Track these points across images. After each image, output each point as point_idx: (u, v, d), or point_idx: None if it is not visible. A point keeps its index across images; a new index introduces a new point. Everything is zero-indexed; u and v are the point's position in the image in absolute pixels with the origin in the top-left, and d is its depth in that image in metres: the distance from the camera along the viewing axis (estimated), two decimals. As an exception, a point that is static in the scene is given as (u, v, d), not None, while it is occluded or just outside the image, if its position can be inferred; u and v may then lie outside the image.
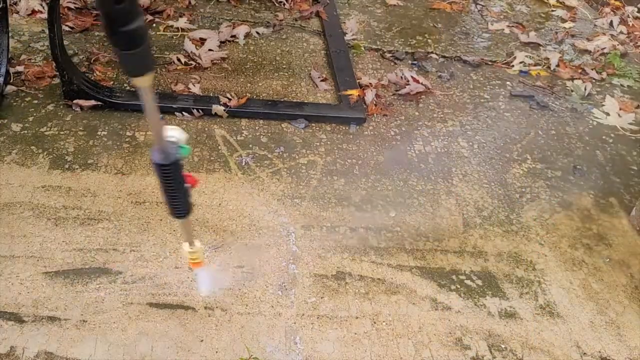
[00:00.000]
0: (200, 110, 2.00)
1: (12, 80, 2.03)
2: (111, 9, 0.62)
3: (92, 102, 1.94)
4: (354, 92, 2.18)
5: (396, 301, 1.49)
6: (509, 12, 3.07)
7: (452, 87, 2.39)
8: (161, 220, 1.61)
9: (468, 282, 1.56)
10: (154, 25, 2.51)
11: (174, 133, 0.88)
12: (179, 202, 0.96)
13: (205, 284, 1.36)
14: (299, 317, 1.41)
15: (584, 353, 1.43)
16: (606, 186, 1.97)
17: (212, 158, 1.85)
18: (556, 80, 2.52)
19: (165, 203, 0.96)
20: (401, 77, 2.35)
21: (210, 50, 2.36)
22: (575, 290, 1.59)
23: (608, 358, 1.42)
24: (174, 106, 1.99)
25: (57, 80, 2.03)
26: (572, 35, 2.91)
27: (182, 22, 2.52)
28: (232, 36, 2.49)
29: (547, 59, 2.64)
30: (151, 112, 0.81)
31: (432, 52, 2.60)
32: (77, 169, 1.74)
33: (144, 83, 0.75)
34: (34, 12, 2.45)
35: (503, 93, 2.39)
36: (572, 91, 2.45)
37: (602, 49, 2.77)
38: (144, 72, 0.74)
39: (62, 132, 1.86)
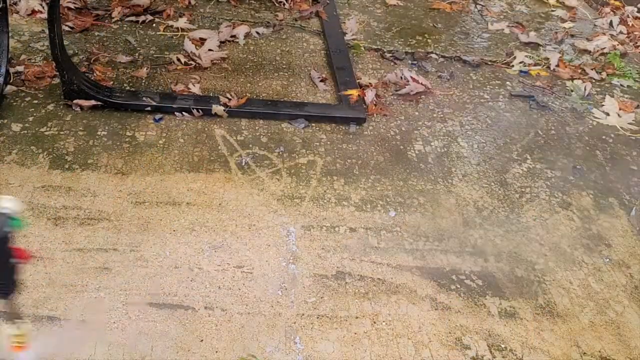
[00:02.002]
0: (200, 110, 2.00)
1: (12, 80, 2.03)
2: None
3: (92, 102, 1.94)
4: (354, 92, 2.18)
5: (396, 301, 1.49)
6: (508, 12, 3.07)
7: (452, 87, 2.39)
8: (161, 220, 1.61)
9: (468, 282, 1.56)
10: (154, 25, 2.51)
11: (7, 204, 0.79)
12: (2, 281, 0.84)
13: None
14: (299, 317, 1.41)
15: (584, 353, 1.43)
16: (606, 186, 1.97)
17: (212, 158, 1.85)
18: (556, 80, 2.52)
19: None
20: (401, 77, 2.35)
21: (210, 50, 2.36)
22: (575, 290, 1.59)
23: (608, 358, 1.42)
24: (174, 106, 1.99)
25: (57, 80, 2.03)
26: (572, 35, 2.91)
27: (182, 22, 2.52)
28: (232, 36, 2.49)
29: (547, 59, 2.64)
30: None
31: (432, 52, 2.60)
32: (77, 169, 1.74)
33: None
34: (34, 12, 2.45)
35: (503, 93, 2.39)
36: (572, 91, 2.45)
37: (602, 49, 2.77)
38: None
39: (62, 132, 1.86)
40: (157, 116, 1.97)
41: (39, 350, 1.16)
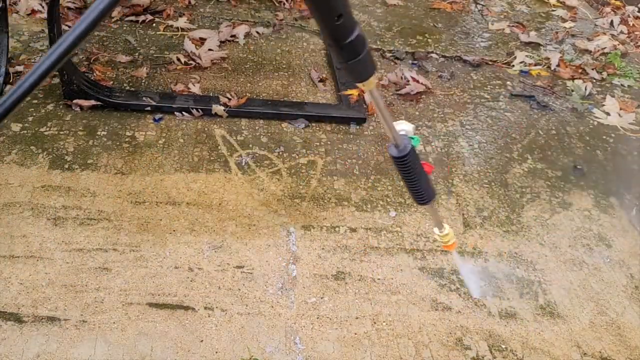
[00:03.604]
0: (200, 110, 2.00)
1: (12, 80, 2.03)
2: (333, 26, 0.67)
3: (92, 102, 1.94)
4: (354, 92, 2.18)
5: (396, 301, 1.48)
6: (509, 12, 3.07)
7: (453, 87, 2.39)
8: (161, 220, 1.61)
9: (468, 282, 1.56)
10: (154, 25, 2.51)
11: (403, 127, 0.96)
12: (421, 189, 1.01)
13: (473, 281, 1.50)
14: (299, 318, 1.41)
15: (584, 353, 1.42)
16: (606, 186, 1.96)
17: (212, 158, 1.85)
18: (556, 80, 2.52)
19: (409, 192, 1.03)
20: (401, 77, 2.35)
21: (210, 50, 2.35)
22: (575, 290, 1.58)
23: (608, 358, 1.42)
24: (174, 106, 1.99)
25: (56, 80, 2.03)
26: (573, 35, 2.91)
27: (182, 22, 2.52)
28: (232, 36, 2.49)
29: (548, 58, 2.63)
30: (383, 111, 0.86)
31: (432, 52, 2.60)
32: (76, 169, 1.74)
33: (370, 85, 0.79)
34: (33, 11, 2.45)
35: (503, 93, 2.39)
36: (572, 91, 2.45)
37: (603, 48, 2.77)
38: (369, 75, 0.78)
39: (61, 132, 1.86)
40: (157, 116, 1.97)
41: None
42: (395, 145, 0.94)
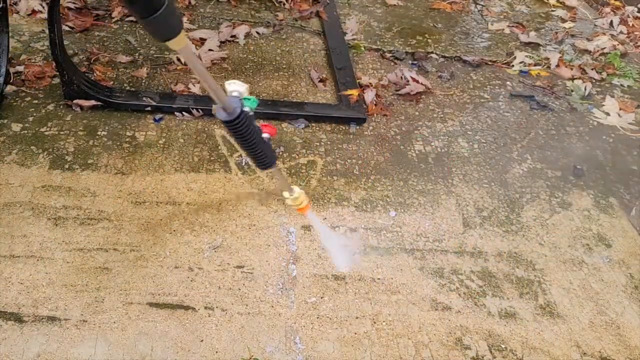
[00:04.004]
0: (200, 110, 2.00)
1: (12, 80, 2.03)
2: None
3: (92, 102, 1.94)
4: (354, 92, 2.18)
5: (396, 301, 1.49)
6: (509, 12, 3.07)
7: (452, 87, 2.39)
8: (161, 220, 1.61)
9: (468, 282, 1.56)
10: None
11: (235, 87, 0.87)
12: (260, 154, 0.94)
13: (338, 250, 1.41)
14: (299, 317, 1.41)
15: (584, 353, 1.43)
16: (606, 186, 1.96)
17: (212, 158, 1.85)
18: (556, 80, 2.52)
19: (248, 158, 0.95)
20: (401, 77, 2.35)
21: (210, 50, 2.36)
22: (575, 290, 1.59)
23: (608, 358, 1.42)
24: (174, 106, 1.99)
25: (57, 80, 2.03)
26: (572, 35, 2.91)
27: (182, 22, 2.52)
28: (232, 36, 2.49)
29: (547, 59, 2.64)
30: (201, 71, 0.77)
31: (432, 52, 2.60)
32: (77, 169, 1.74)
33: (177, 45, 0.71)
34: (34, 12, 2.45)
35: (503, 93, 2.39)
36: (572, 91, 2.45)
37: (602, 49, 2.77)
38: (172, 34, 0.70)
39: (62, 132, 1.86)
40: (157, 116, 1.97)
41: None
42: (224, 108, 0.84)
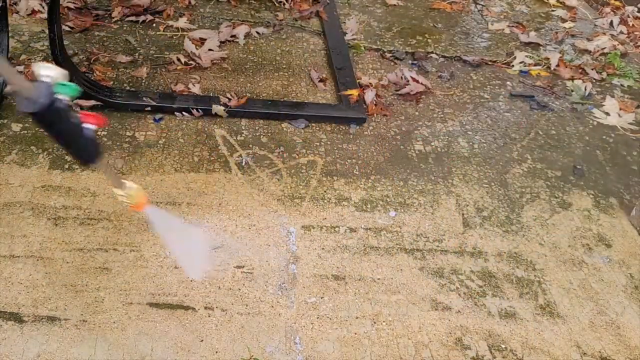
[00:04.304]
0: (200, 110, 2.00)
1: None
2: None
3: (92, 102, 1.94)
4: (354, 92, 2.18)
5: (396, 301, 1.48)
6: (509, 12, 3.07)
7: (452, 87, 2.39)
8: (161, 220, 1.61)
9: (468, 282, 1.56)
10: (154, 25, 2.51)
11: (47, 72, 0.72)
12: (76, 149, 0.80)
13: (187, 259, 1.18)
14: (299, 317, 1.41)
15: (584, 353, 1.43)
16: (606, 186, 1.96)
17: (212, 158, 1.85)
18: (556, 80, 2.52)
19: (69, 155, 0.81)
20: (401, 77, 2.35)
21: (210, 50, 2.36)
22: (575, 290, 1.59)
23: (608, 358, 1.42)
24: (174, 106, 1.99)
25: (57, 80, 2.03)
26: (572, 35, 2.91)
27: (182, 22, 2.52)
28: (232, 36, 2.49)
29: (547, 58, 2.64)
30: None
31: (432, 52, 2.60)
32: (77, 169, 1.74)
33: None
34: (34, 12, 2.45)
35: (503, 93, 2.39)
36: (572, 91, 2.45)
37: (602, 49, 2.77)
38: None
39: (62, 132, 1.86)
40: (157, 116, 1.97)
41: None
42: (28, 98, 0.68)
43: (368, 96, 2.18)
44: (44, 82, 0.71)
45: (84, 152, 0.82)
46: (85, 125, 0.80)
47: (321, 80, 2.28)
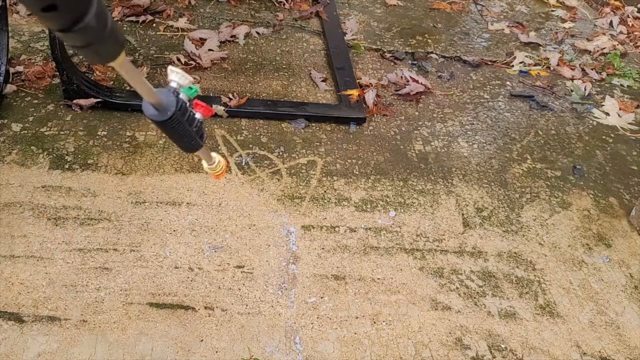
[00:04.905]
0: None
1: (12, 80, 2.03)
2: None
3: (92, 101, 1.94)
4: (354, 92, 2.18)
5: (396, 301, 1.49)
6: (508, 12, 3.07)
7: (452, 87, 2.39)
8: (161, 220, 1.61)
9: (468, 282, 1.56)
10: (154, 25, 2.51)
11: (174, 77, 0.78)
12: (188, 141, 0.88)
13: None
14: (299, 317, 1.41)
15: (584, 353, 1.43)
16: (606, 186, 1.97)
17: (212, 158, 1.85)
18: (556, 80, 2.52)
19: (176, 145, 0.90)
20: (401, 77, 2.35)
21: (210, 50, 2.36)
22: (575, 290, 1.59)
23: (608, 358, 1.42)
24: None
25: (57, 80, 2.03)
26: (572, 35, 2.91)
27: (182, 22, 2.52)
28: (232, 36, 2.49)
29: (547, 59, 2.64)
30: (136, 78, 0.68)
31: (432, 52, 2.60)
32: (77, 169, 1.74)
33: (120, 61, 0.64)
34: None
35: (503, 93, 2.39)
36: (572, 91, 2.45)
37: (602, 49, 2.77)
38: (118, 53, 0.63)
39: (62, 132, 1.86)
40: None
41: None
42: (154, 106, 0.74)
43: (368, 96, 2.18)
44: (171, 88, 0.77)
45: (194, 141, 0.89)
46: (196, 115, 0.87)
47: (323, 80, 2.28)
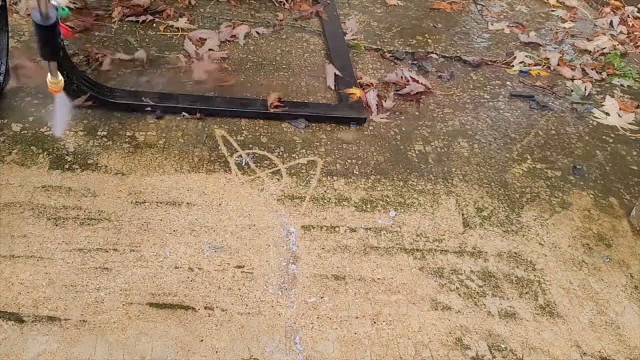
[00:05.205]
0: (200, 110, 2.00)
1: (12, 80, 2.03)
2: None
3: (89, 100, 1.94)
4: (355, 92, 2.18)
5: (396, 301, 1.49)
6: (509, 12, 3.07)
7: (452, 87, 2.39)
8: (161, 220, 1.61)
9: (468, 282, 1.56)
10: (154, 25, 2.51)
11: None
12: (52, 49, 1.30)
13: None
14: (299, 317, 1.41)
15: (584, 353, 1.43)
16: (606, 186, 1.97)
17: (212, 158, 1.85)
18: (556, 80, 2.52)
19: (38, 49, 1.33)
20: (401, 77, 2.35)
21: (210, 50, 2.36)
22: (575, 290, 1.59)
23: (608, 358, 1.42)
24: (174, 106, 1.99)
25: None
26: (572, 35, 2.91)
27: (182, 22, 2.52)
28: (232, 36, 2.49)
29: (547, 59, 2.64)
30: None
31: (432, 52, 2.60)
32: (77, 169, 1.74)
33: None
34: (34, 12, 2.44)
35: (503, 93, 2.39)
36: (572, 91, 2.45)
37: (602, 49, 2.77)
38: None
39: (62, 132, 1.86)
40: (158, 113, 1.97)
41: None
42: (41, 13, 1.18)
43: (370, 96, 2.18)
44: (53, 5, 1.17)
45: (54, 51, 1.32)
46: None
47: (322, 80, 2.27)
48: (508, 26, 2.90)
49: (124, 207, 1.64)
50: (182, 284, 1.45)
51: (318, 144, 1.97)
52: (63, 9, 1.19)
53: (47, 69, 1.46)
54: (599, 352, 1.44)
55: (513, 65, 2.57)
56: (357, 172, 1.88)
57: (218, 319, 1.38)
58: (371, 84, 2.28)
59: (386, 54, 2.55)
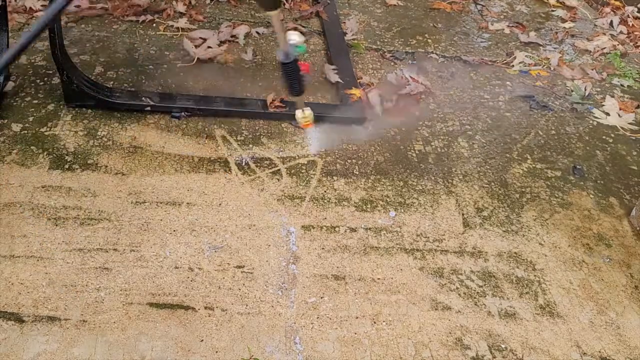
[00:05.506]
0: (200, 110, 2.00)
1: (11, 80, 2.03)
2: None
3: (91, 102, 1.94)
4: (355, 92, 2.18)
5: (396, 301, 1.49)
6: (509, 12, 3.07)
7: (452, 87, 2.39)
8: (161, 220, 1.61)
9: (468, 282, 1.56)
10: (154, 25, 2.51)
11: (293, 37, 1.32)
12: (295, 85, 1.45)
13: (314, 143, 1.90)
14: (299, 317, 1.41)
15: (584, 353, 1.43)
16: (606, 186, 1.97)
17: (212, 158, 1.85)
18: (556, 80, 2.52)
19: (285, 87, 1.49)
20: (401, 77, 2.35)
21: (209, 48, 2.35)
22: (575, 290, 1.59)
23: (608, 358, 1.43)
24: (174, 106, 1.99)
25: (57, 81, 2.03)
26: (572, 35, 2.91)
27: (182, 22, 2.52)
28: (232, 36, 2.49)
29: (547, 58, 2.64)
30: (280, 32, 1.30)
31: (432, 52, 2.60)
32: (77, 169, 1.74)
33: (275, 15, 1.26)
34: (32, 10, 2.45)
35: (503, 93, 2.39)
36: (572, 91, 2.45)
37: (602, 49, 2.77)
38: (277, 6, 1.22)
39: (62, 132, 1.86)
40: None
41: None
42: (284, 53, 1.34)
43: (372, 97, 2.18)
44: (292, 44, 1.33)
45: (300, 86, 1.47)
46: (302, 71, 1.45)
47: (336, 72, 2.25)
48: (508, 26, 2.90)
49: (124, 207, 1.64)
50: (182, 284, 1.45)
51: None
52: (299, 46, 1.30)
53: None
54: (599, 352, 1.44)
55: (513, 65, 2.57)
56: (357, 172, 1.88)
57: (218, 319, 1.38)
58: (371, 83, 2.28)
59: (386, 54, 2.55)
